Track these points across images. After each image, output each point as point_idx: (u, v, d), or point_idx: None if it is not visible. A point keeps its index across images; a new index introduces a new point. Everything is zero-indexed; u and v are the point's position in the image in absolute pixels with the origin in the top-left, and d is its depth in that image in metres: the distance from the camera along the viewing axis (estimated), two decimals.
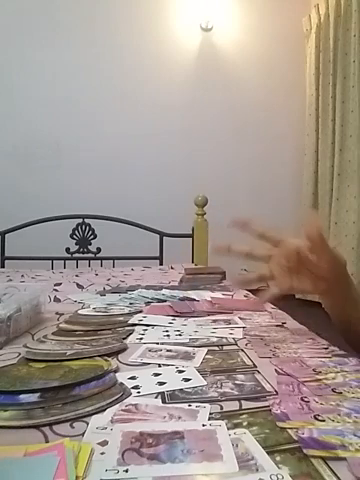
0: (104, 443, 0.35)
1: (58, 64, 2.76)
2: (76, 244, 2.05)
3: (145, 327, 0.74)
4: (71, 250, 2.04)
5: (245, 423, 0.39)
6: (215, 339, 0.66)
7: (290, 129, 3.03)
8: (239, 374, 0.51)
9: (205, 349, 0.60)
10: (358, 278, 2.43)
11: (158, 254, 2.07)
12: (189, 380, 0.49)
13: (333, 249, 0.56)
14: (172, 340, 0.65)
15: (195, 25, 2.87)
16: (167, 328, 0.73)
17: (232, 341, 0.65)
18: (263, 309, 0.90)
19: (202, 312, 0.85)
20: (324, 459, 0.32)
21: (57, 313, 0.87)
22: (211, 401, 0.43)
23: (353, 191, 2.52)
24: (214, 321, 0.77)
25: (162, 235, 2.09)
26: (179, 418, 0.39)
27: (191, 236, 2.08)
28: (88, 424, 0.39)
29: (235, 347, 0.62)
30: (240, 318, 0.79)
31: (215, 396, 0.44)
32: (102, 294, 1.09)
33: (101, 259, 2.02)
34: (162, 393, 0.45)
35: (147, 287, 1.17)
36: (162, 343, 0.64)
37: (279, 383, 0.47)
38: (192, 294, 1.03)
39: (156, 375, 0.50)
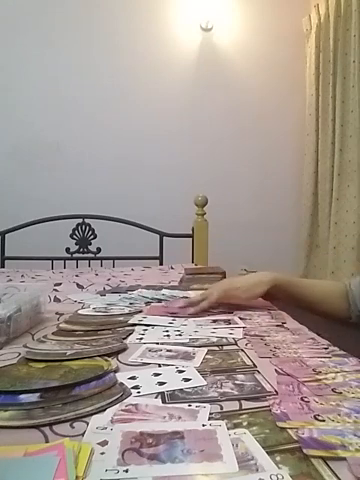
0: (104, 443, 0.35)
1: (57, 64, 2.75)
2: (76, 244, 2.05)
3: (145, 327, 0.74)
4: (71, 250, 2.04)
5: (245, 423, 0.39)
6: (215, 339, 0.66)
7: (290, 129, 3.03)
8: (239, 374, 0.51)
9: (205, 349, 0.60)
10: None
11: (158, 254, 2.07)
12: (189, 380, 0.49)
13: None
14: (172, 340, 0.65)
15: (195, 25, 2.87)
16: (167, 328, 0.73)
17: (232, 341, 0.65)
18: (262, 307, 0.90)
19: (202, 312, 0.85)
20: (324, 459, 0.32)
21: (57, 313, 0.87)
22: (211, 401, 0.43)
23: (353, 191, 2.51)
24: (214, 321, 0.77)
25: (162, 235, 2.09)
26: (179, 418, 0.39)
27: (191, 236, 2.08)
28: (88, 424, 0.39)
29: (235, 347, 0.62)
30: (240, 318, 0.79)
31: (215, 396, 0.44)
32: (102, 294, 1.09)
33: (101, 259, 2.02)
34: (162, 393, 0.45)
35: (147, 287, 1.17)
36: (162, 343, 0.64)
37: (279, 383, 0.48)
38: (192, 294, 1.03)
39: (156, 375, 0.50)
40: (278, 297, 0.96)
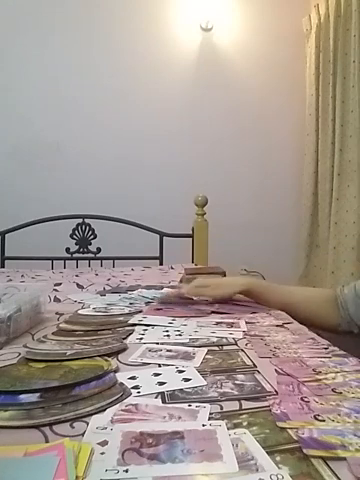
0: (104, 443, 0.35)
1: (57, 64, 2.75)
2: (76, 244, 2.05)
3: (145, 327, 0.74)
4: (71, 250, 2.04)
5: (245, 423, 0.39)
6: (215, 339, 0.66)
7: (290, 129, 3.03)
8: (239, 374, 0.51)
9: (205, 349, 0.60)
10: (358, 278, 2.43)
11: (158, 254, 2.07)
12: (189, 380, 0.49)
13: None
14: (172, 340, 0.65)
15: (195, 25, 2.87)
16: (167, 328, 0.72)
17: (232, 341, 0.65)
18: (263, 307, 0.90)
19: (203, 312, 0.85)
20: (324, 459, 0.32)
21: (57, 313, 0.87)
22: (211, 401, 0.43)
23: (353, 191, 2.51)
24: (217, 323, 0.76)
25: (162, 235, 2.09)
26: (179, 418, 0.39)
27: (191, 236, 2.08)
28: (88, 424, 0.39)
29: (235, 347, 0.62)
30: (247, 322, 0.77)
31: (215, 396, 0.44)
32: (102, 294, 1.09)
33: (101, 259, 2.02)
34: (162, 393, 0.45)
35: (147, 287, 1.17)
36: (162, 343, 0.64)
37: (279, 383, 0.47)
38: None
39: (156, 375, 0.50)
40: (258, 302, 0.96)
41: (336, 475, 0.31)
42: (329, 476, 0.31)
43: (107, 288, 1.23)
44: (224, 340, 0.65)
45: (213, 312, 0.85)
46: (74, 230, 2.06)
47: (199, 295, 0.95)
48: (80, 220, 2.07)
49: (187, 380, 0.48)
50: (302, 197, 2.96)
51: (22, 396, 0.44)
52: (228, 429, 0.37)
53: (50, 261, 1.97)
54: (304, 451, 0.33)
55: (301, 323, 0.82)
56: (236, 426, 0.38)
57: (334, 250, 2.60)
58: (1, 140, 2.72)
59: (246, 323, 0.76)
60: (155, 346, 0.62)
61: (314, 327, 0.89)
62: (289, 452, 0.34)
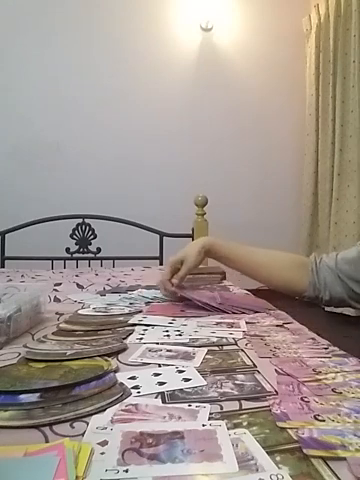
0: (104, 443, 0.35)
1: (58, 64, 2.76)
2: (76, 244, 2.05)
3: (145, 327, 0.74)
4: (71, 250, 2.04)
5: (245, 423, 0.39)
6: (215, 339, 0.66)
7: (290, 129, 3.03)
8: (239, 374, 0.51)
9: (205, 349, 0.60)
10: None
11: (158, 254, 2.07)
12: (189, 380, 0.48)
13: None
14: (172, 340, 0.65)
15: (195, 25, 2.87)
16: (167, 328, 0.72)
17: (232, 341, 0.65)
18: (267, 308, 0.90)
19: (207, 309, 0.85)
20: (324, 459, 0.32)
21: (57, 313, 0.87)
22: (211, 401, 0.43)
23: (353, 191, 2.52)
24: (217, 323, 0.76)
25: (162, 235, 2.09)
26: (179, 418, 0.39)
27: (191, 236, 2.07)
28: (88, 424, 0.39)
29: (235, 347, 0.62)
30: (247, 322, 0.77)
31: (215, 396, 0.44)
32: (102, 294, 1.09)
33: (101, 259, 2.02)
34: (162, 393, 0.45)
35: (147, 287, 1.17)
36: (162, 343, 0.64)
37: (279, 383, 0.47)
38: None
39: (156, 375, 0.50)
40: (223, 262, 0.98)
41: (336, 475, 0.31)
42: (329, 476, 0.31)
43: (107, 288, 1.23)
44: (224, 340, 0.65)
45: (215, 308, 0.85)
46: (74, 230, 2.06)
47: (178, 265, 0.93)
48: (80, 220, 2.07)
49: (187, 380, 0.48)
50: (302, 197, 2.96)
51: (22, 396, 0.44)
52: (228, 429, 0.37)
53: (50, 261, 1.97)
54: (304, 451, 0.33)
55: (262, 284, 0.81)
56: (236, 426, 0.38)
57: (334, 250, 2.59)
58: (1, 140, 2.72)
59: (246, 323, 0.76)
60: (155, 346, 0.62)
61: (276, 290, 0.89)
62: (289, 452, 0.34)
